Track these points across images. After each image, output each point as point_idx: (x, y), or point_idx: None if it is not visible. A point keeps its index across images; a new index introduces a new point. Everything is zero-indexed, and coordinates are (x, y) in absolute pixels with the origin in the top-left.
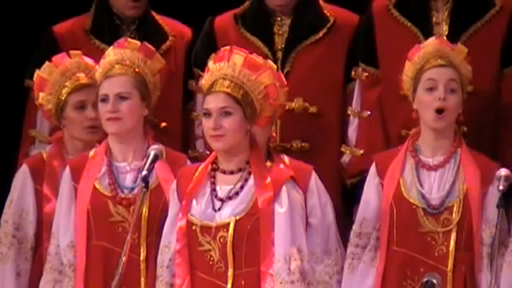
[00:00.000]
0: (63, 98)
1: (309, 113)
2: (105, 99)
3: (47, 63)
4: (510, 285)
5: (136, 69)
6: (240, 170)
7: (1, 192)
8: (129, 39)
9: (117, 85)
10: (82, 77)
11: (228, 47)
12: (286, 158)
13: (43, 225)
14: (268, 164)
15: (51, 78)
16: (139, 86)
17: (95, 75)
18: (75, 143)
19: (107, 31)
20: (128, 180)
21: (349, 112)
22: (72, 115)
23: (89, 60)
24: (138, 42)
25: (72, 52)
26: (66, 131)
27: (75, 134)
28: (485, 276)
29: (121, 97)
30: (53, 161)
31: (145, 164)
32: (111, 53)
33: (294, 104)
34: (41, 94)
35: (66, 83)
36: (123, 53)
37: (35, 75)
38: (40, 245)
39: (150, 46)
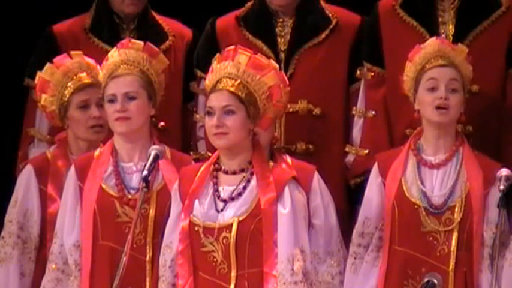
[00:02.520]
0: (66, 99)
1: (313, 114)
2: (112, 100)
3: (48, 64)
4: (511, 286)
5: (142, 69)
6: (242, 170)
7: (1, 191)
8: (133, 40)
9: (124, 85)
10: (84, 77)
11: (232, 47)
12: (288, 158)
13: (47, 226)
14: (271, 164)
15: (53, 80)
16: (146, 86)
17: (97, 75)
18: (80, 143)
19: (107, 30)
20: (134, 180)
21: (353, 112)
22: (76, 115)
23: (90, 60)
24: (142, 43)
25: (72, 52)
26: (70, 132)
27: (79, 134)
28: (485, 276)
29: (129, 97)
30: (58, 161)
31: (145, 163)
32: (115, 54)
33: (298, 106)
34: (44, 96)
35: (69, 84)
36: (127, 53)
37: (37, 77)
38: (44, 245)
39: (153, 46)
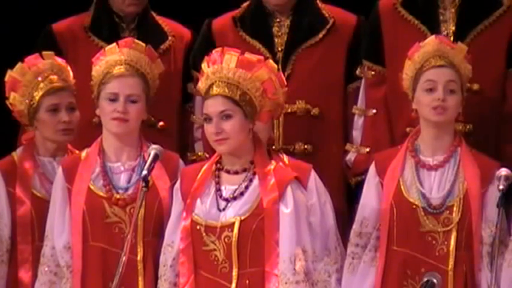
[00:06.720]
0: (36, 101)
1: (311, 115)
2: (113, 99)
3: (19, 63)
4: (510, 284)
5: (144, 72)
6: (244, 170)
7: None
8: (136, 41)
9: (128, 87)
10: (55, 80)
11: (219, 49)
12: (285, 158)
13: (17, 228)
14: (273, 164)
15: (24, 80)
16: (146, 90)
17: (68, 77)
18: (47, 144)
19: (106, 29)
20: (122, 180)
21: (354, 111)
22: (45, 118)
23: (61, 62)
24: (144, 44)
25: (44, 53)
26: (38, 133)
27: (48, 135)
28: (485, 275)
29: (131, 100)
30: (25, 162)
31: (145, 163)
32: (115, 50)
33: (296, 106)
34: (13, 94)
35: (40, 86)
36: (131, 54)
37: (7, 75)
38: (14, 248)
39: (153, 50)
